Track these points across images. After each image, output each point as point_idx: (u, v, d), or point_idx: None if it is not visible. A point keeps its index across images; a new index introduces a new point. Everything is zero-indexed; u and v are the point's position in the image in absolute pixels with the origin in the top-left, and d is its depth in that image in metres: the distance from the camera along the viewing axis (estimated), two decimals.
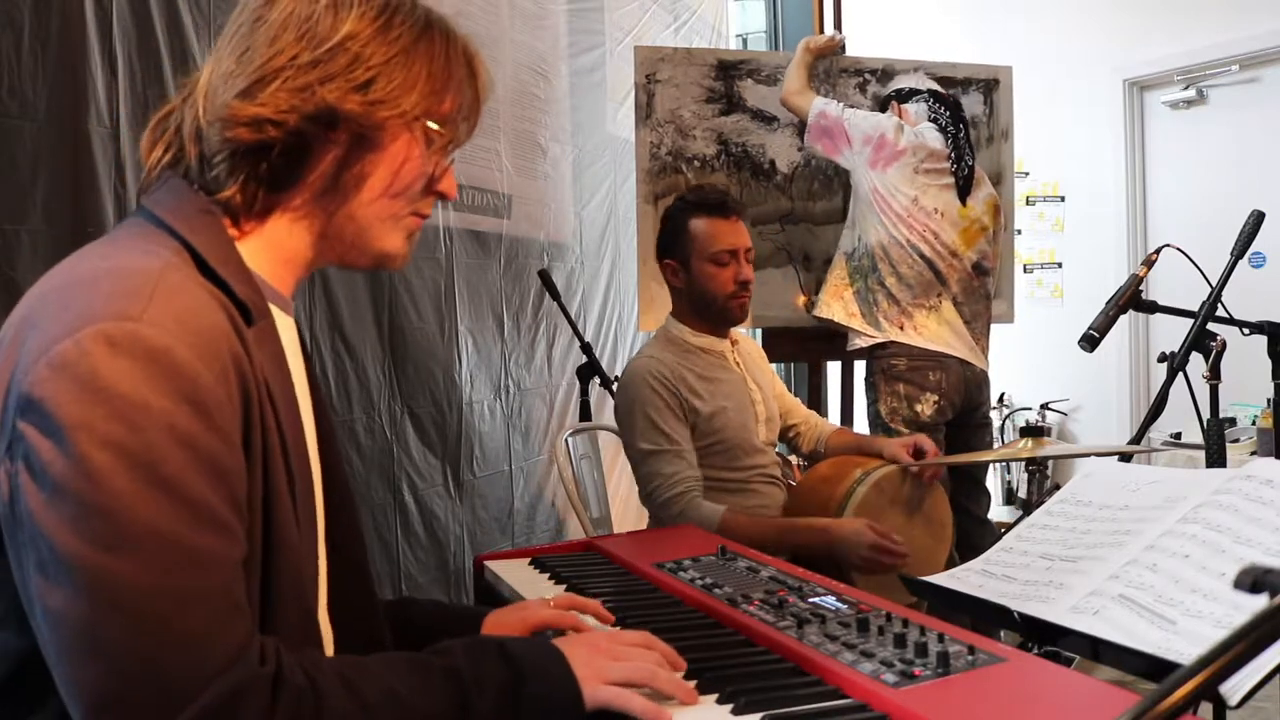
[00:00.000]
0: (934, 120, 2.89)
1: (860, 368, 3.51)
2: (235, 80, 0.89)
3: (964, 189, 2.86)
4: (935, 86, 3.04)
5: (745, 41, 4.93)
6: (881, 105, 3.09)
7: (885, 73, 3.25)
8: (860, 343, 2.86)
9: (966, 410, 2.86)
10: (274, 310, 0.94)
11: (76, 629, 0.72)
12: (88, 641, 0.72)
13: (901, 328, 2.80)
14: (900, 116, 2.91)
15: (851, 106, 3.07)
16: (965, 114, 3.03)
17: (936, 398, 2.75)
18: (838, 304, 2.90)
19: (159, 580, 0.72)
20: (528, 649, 0.92)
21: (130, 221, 0.92)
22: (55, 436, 0.72)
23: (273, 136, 0.88)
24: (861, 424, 4.55)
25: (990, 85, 3.43)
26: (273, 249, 0.94)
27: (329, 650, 1.00)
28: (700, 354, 2.21)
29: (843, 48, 3.19)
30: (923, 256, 2.79)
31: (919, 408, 2.74)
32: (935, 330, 2.80)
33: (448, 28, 0.98)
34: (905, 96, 3.00)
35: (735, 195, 3.11)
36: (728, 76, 3.15)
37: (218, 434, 0.77)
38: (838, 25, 3.53)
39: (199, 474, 0.75)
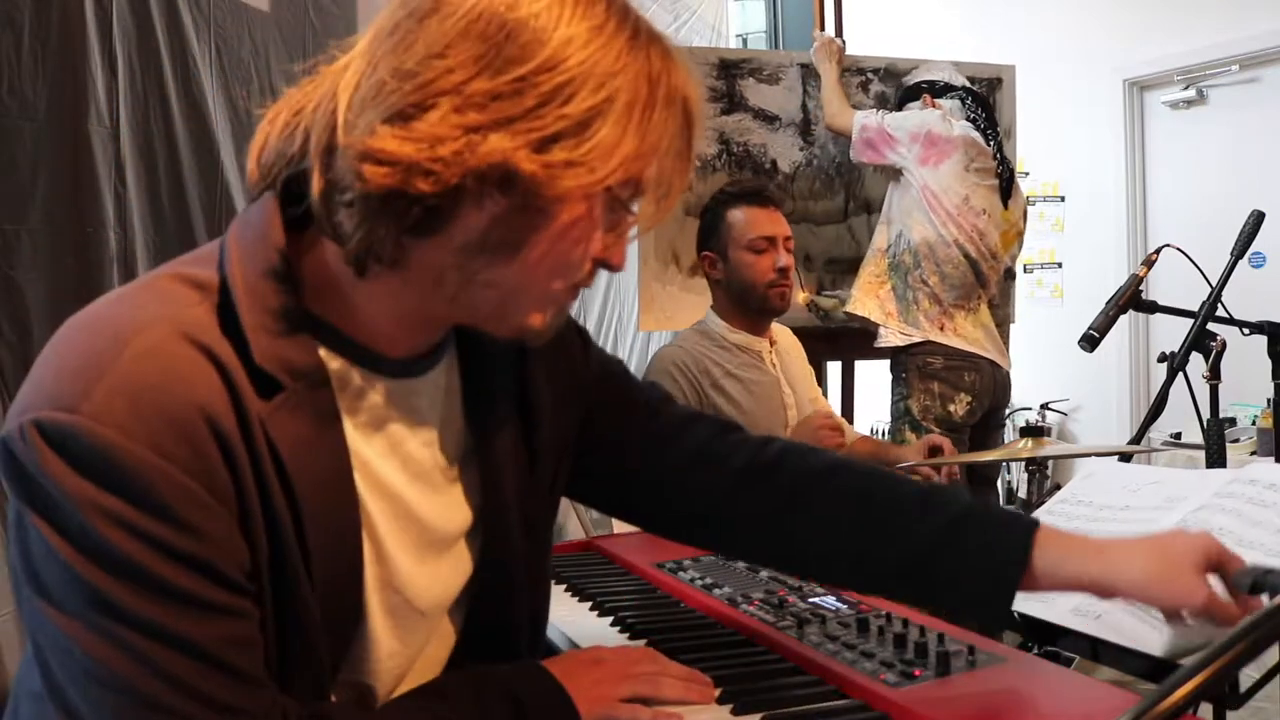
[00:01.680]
0: (972, 120, 2.84)
1: (862, 367, 3.51)
2: (390, 95, 0.68)
3: (1005, 191, 2.83)
4: (967, 83, 2.98)
5: (745, 41, 4.92)
6: (902, 96, 3.03)
7: (889, 71, 3.24)
8: (895, 341, 2.80)
9: (991, 411, 2.86)
10: (356, 374, 0.80)
11: (77, 695, 0.70)
12: (89, 704, 0.69)
13: (942, 328, 2.75)
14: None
15: (853, 107, 3.06)
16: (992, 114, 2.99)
17: (970, 398, 2.73)
18: (872, 301, 2.84)
19: (143, 666, 0.68)
20: (529, 685, 0.88)
21: (220, 238, 0.80)
22: (18, 511, 0.69)
23: (418, 189, 0.68)
24: (863, 424, 4.53)
25: (993, 84, 3.40)
26: (385, 303, 0.78)
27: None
28: (735, 351, 2.20)
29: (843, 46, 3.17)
30: (968, 257, 2.75)
31: (952, 407, 2.71)
32: (972, 332, 2.78)
33: (672, 58, 0.75)
34: (939, 91, 2.93)
35: None
36: (729, 75, 3.12)
37: (182, 527, 0.68)
38: (838, 24, 3.52)
39: (163, 563, 0.68)
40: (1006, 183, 2.83)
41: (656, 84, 0.72)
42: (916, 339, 2.76)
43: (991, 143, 2.82)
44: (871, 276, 2.87)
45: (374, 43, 0.72)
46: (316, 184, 0.72)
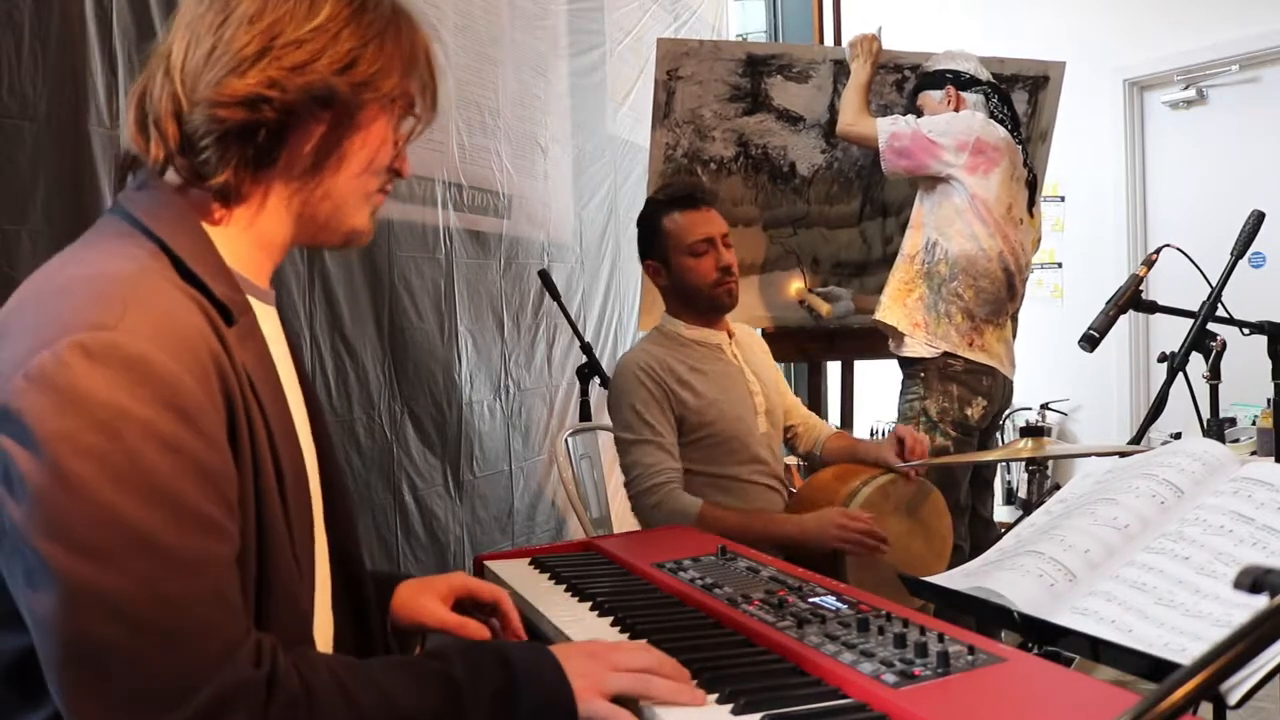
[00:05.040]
0: (1000, 120, 2.72)
1: (862, 367, 3.50)
2: (220, 59, 0.88)
3: (1030, 197, 2.75)
4: (992, 78, 2.83)
5: (745, 41, 4.92)
6: (921, 83, 2.88)
7: None
8: (922, 352, 2.69)
9: (997, 414, 2.84)
10: (254, 303, 0.94)
11: (67, 636, 0.72)
12: (78, 648, 0.72)
13: (971, 344, 2.68)
14: (957, 104, 2.75)
15: (885, 107, 2.95)
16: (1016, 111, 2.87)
17: (986, 403, 2.70)
18: (899, 309, 2.74)
19: (147, 586, 0.72)
20: (525, 657, 0.92)
21: (107, 221, 0.91)
22: (34, 449, 0.72)
23: (265, 116, 0.88)
24: (863, 424, 4.54)
25: (1039, 83, 3.24)
26: (252, 235, 0.95)
27: (328, 637, 1.01)
28: (694, 347, 2.21)
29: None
30: (1006, 270, 2.67)
31: (969, 411, 2.67)
32: (995, 348, 2.73)
33: (410, 15, 1.00)
34: (965, 84, 2.79)
35: (750, 199, 3.03)
36: (755, 72, 2.97)
37: (201, 437, 0.77)
38: (837, 24, 3.51)
39: (184, 477, 0.75)
40: (1032, 187, 2.76)
41: (402, 30, 0.97)
42: (942, 350, 2.67)
43: (1019, 144, 2.72)
44: (900, 283, 2.76)
45: (189, 30, 0.90)
46: (173, 139, 0.88)
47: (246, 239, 0.95)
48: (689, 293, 2.20)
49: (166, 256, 0.86)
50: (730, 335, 2.28)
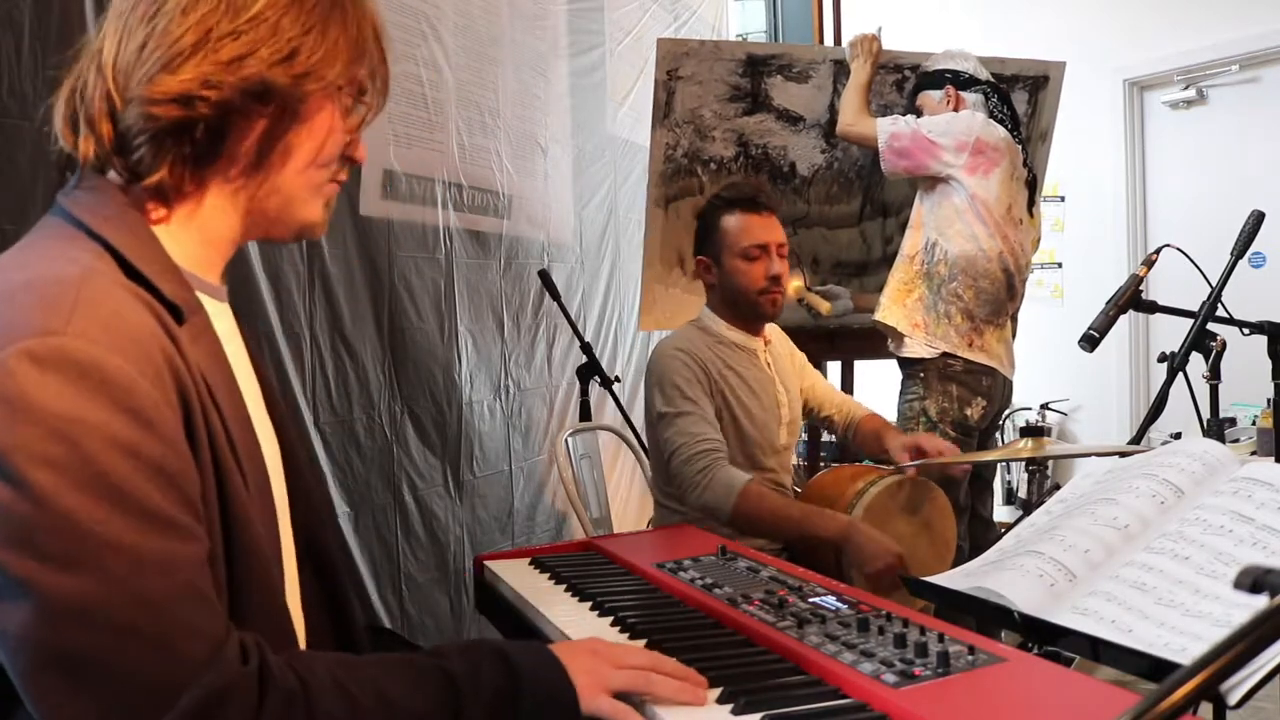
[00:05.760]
0: (1000, 120, 2.72)
1: (862, 367, 3.50)
2: (153, 53, 0.85)
3: (1030, 197, 2.75)
4: (991, 78, 2.82)
5: (745, 41, 4.92)
6: (920, 83, 2.88)
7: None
8: (922, 353, 2.70)
9: (997, 414, 2.84)
10: (205, 301, 0.92)
11: (43, 650, 0.70)
12: (56, 660, 0.70)
13: (970, 344, 2.68)
14: (956, 104, 2.75)
15: (885, 107, 2.95)
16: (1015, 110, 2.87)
17: (985, 403, 2.70)
18: (899, 309, 2.74)
19: (120, 590, 0.71)
20: (526, 655, 0.91)
21: (46, 223, 0.88)
22: None
23: (201, 113, 0.84)
24: None
25: (1039, 83, 3.24)
26: (199, 233, 0.91)
27: (301, 638, 0.98)
28: (732, 348, 2.21)
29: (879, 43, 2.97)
30: (1006, 270, 2.67)
31: (969, 411, 2.67)
32: (995, 349, 2.73)
33: None
34: (964, 83, 2.78)
35: None
36: (756, 73, 2.97)
37: (159, 438, 0.75)
38: (837, 24, 3.50)
39: (146, 480, 0.74)
40: (1031, 187, 2.76)
41: (347, 12, 0.92)
42: (942, 350, 2.67)
43: (1019, 144, 2.72)
44: (899, 284, 2.76)
45: (121, 24, 0.88)
46: (107, 138, 0.85)
47: (192, 236, 0.91)
48: (734, 295, 2.20)
49: (111, 257, 0.83)
50: (766, 343, 2.28)
